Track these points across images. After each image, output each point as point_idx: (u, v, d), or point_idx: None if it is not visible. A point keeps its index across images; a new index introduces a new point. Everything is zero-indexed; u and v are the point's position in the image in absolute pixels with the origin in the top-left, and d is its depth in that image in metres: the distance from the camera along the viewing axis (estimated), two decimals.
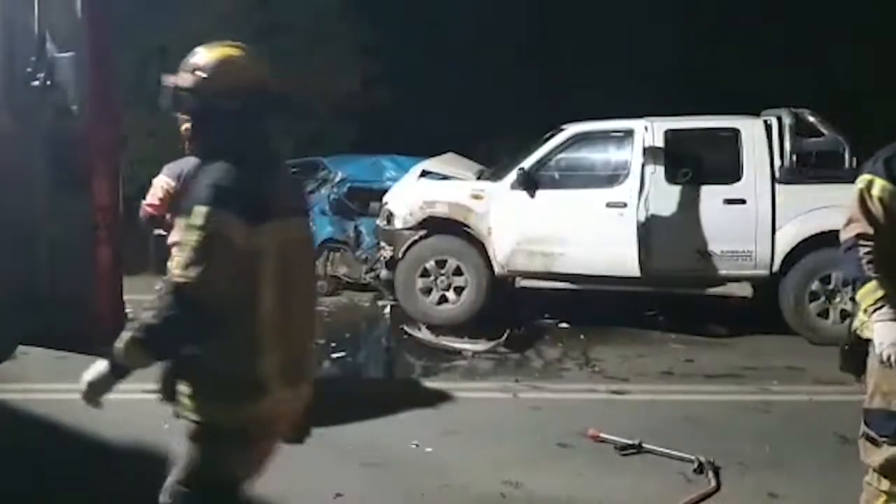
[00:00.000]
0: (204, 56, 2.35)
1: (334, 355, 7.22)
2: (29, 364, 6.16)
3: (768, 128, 7.76)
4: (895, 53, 13.26)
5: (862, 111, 12.51)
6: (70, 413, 5.32)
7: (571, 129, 8.12)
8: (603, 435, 4.92)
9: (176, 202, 5.16)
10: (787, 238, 7.53)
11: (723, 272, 7.69)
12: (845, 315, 7.50)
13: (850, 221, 3.12)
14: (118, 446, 4.86)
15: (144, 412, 5.43)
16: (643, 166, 7.60)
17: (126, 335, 2.20)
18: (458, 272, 8.16)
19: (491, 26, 15.31)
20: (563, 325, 8.19)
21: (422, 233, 8.20)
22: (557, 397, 5.95)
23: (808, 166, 7.88)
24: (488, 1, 15.09)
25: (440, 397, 5.85)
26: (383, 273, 8.77)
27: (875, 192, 3.05)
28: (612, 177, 7.83)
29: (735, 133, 7.78)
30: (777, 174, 7.62)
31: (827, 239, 7.44)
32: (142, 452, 4.78)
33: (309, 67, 13.46)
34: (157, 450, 4.80)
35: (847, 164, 7.69)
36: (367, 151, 11.80)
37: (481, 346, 7.29)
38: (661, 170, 7.69)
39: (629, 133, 7.81)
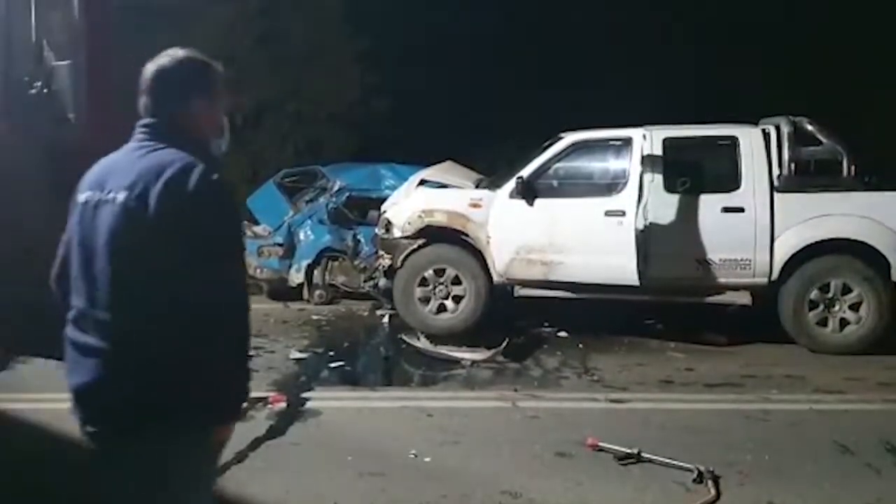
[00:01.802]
0: None
1: (333, 364, 7.20)
2: (29, 374, 6.16)
3: (767, 136, 7.77)
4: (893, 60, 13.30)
5: (860, 120, 12.52)
6: (68, 422, 5.31)
7: (570, 138, 8.12)
8: (602, 444, 4.91)
9: None
10: (786, 246, 7.53)
11: (722, 280, 7.68)
12: (844, 323, 7.52)
13: None
14: None
15: None
16: (642, 175, 7.59)
17: None
18: (456, 281, 8.15)
19: (490, 35, 15.34)
20: (562, 333, 8.18)
21: (420, 241, 8.19)
22: (556, 406, 5.94)
23: (806, 175, 7.88)
24: (488, 10, 15.11)
25: (439, 407, 5.84)
26: (382, 282, 8.77)
27: None
28: (611, 185, 7.82)
29: (733, 141, 7.78)
30: (776, 182, 7.62)
31: (826, 247, 7.48)
32: None
33: (308, 76, 13.48)
34: None
35: (846, 173, 7.70)
36: (366, 160, 11.80)
37: (480, 355, 7.28)
38: (659, 178, 7.69)
39: (628, 141, 7.81)
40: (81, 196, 2.29)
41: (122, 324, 2.14)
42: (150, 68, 2.32)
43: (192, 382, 2.09)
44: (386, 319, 8.86)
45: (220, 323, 2.12)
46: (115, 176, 2.21)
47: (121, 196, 2.16)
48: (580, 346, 7.77)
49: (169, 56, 2.32)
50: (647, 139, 7.74)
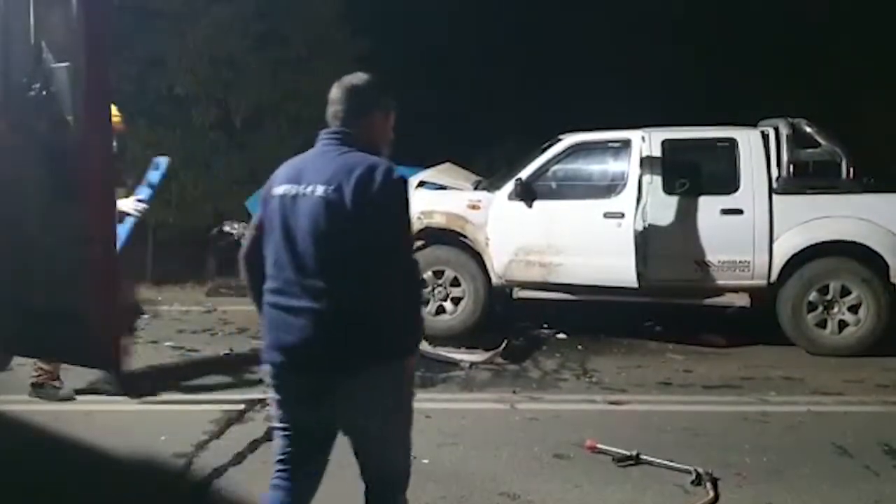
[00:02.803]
0: None
1: None
2: (25, 376, 6.15)
3: (765, 138, 7.78)
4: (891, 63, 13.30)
5: (858, 122, 12.53)
6: (67, 424, 5.32)
7: (569, 140, 8.12)
8: (600, 446, 4.90)
9: None
10: (785, 248, 7.53)
11: (720, 282, 7.68)
12: (843, 325, 7.52)
13: None
14: (115, 456, 4.84)
15: (141, 423, 5.45)
16: (640, 177, 7.61)
17: None
18: (455, 283, 8.15)
19: (489, 37, 15.34)
20: (561, 335, 8.18)
21: (419, 243, 8.18)
22: (555, 408, 5.93)
23: (805, 176, 7.89)
24: (487, 12, 15.11)
25: (437, 408, 5.83)
26: None
27: None
28: (610, 187, 7.82)
29: (732, 143, 7.78)
30: (774, 184, 7.62)
31: (825, 249, 7.49)
32: (139, 462, 4.77)
33: (307, 77, 13.47)
34: (154, 460, 4.79)
35: (844, 175, 7.71)
36: None
37: (479, 356, 7.27)
38: (658, 180, 7.69)
39: (626, 143, 7.81)
40: (278, 189, 2.84)
41: (329, 288, 2.72)
42: (342, 87, 2.93)
43: (384, 328, 2.72)
44: None
45: (401, 282, 2.75)
46: (308, 173, 2.80)
47: (319, 189, 2.73)
48: (579, 347, 7.77)
49: (357, 77, 2.97)
50: (646, 141, 7.75)
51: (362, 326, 2.71)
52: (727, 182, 7.72)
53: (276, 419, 2.94)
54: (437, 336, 7.95)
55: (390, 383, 2.82)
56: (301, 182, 2.79)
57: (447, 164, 9.32)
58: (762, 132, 7.84)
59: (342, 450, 4.86)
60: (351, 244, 2.71)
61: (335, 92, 2.93)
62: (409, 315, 2.81)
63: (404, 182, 2.80)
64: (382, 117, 2.96)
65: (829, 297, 7.53)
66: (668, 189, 7.72)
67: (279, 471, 2.98)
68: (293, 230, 2.76)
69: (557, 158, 8.04)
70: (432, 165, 9.26)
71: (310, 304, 2.73)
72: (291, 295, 2.77)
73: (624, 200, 7.57)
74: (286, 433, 2.93)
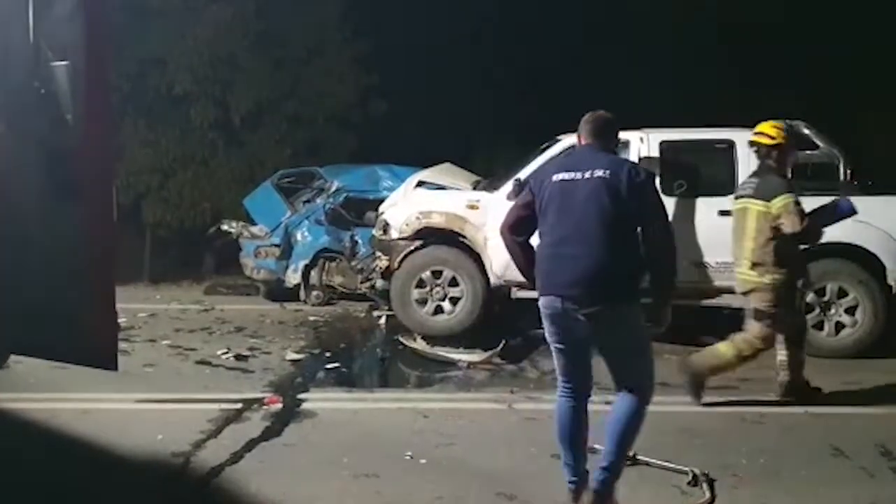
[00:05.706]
0: None
1: (329, 366, 7.20)
2: (22, 374, 6.15)
3: None
4: (890, 65, 13.31)
5: (855, 125, 12.54)
6: (65, 422, 5.33)
7: (568, 140, 8.11)
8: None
9: None
10: None
11: (718, 283, 7.69)
12: (840, 327, 7.53)
13: None
14: (112, 455, 4.84)
15: (138, 422, 5.45)
16: None
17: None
18: (453, 283, 8.16)
19: (488, 38, 15.36)
20: None
21: (418, 243, 8.20)
22: (552, 408, 5.86)
23: (802, 178, 7.88)
24: (486, 13, 15.13)
25: (435, 408, 5.84)
26: (379, 283, 8.77)
27: None
28: None
29: (730, 145, 7.80)
30: None
31: (822, 251, 7.47)
32: (136, 461, 4.77)
33: (306, 77, 13.49)
34: (152, 459, 4.79)
35: (842, 177, 7.72)
36: (364, 161, 11.82)
37: (477, 356, 7.28)
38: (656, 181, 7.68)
39: (625, 144, 7.80)
40: (556, 177, 3.94)
41: (600, 242, 3.76)
42: (596, 118, 4.12)
43: (638, 275, 3.88)
44: (383, 321, 8.86)
45: (660, 245, 3.84)
46: (585, 165, 3.91)
47: (598, 173, 3.83)
48: None
49: (605, 114, 4.15)
50: (645, 142, 7.76)
51: (623, 272, 3.77)
52: (725, 183, 7.72)
53: (553, 339, 3.98)
54: (435, 336, 7.97)
55: (640, 316, 3.88)
56: (580, 170, 3.88)
57: (446, 165, 9.33)
58: None
59: (342, 451, 4.88)
60: (619, 213, 3.75)
61: (591, 121, 4.11)
62: (665, 266, 3.90)
63: (653, 176, 3.93)
64: (617, 141, 4.23)
65: (826, 298, 7.55)
66: (666, 190, 7.68)
67: (564, 382, 4.16)
68: (572, 201, 3.83)
69: (556, 159, 8.04)
70: (431, 165, 9.27)
71: (584, 252, 3.76)
72: (568, 246, 3.80)
73: None
74: (563, 349, 3.98)
